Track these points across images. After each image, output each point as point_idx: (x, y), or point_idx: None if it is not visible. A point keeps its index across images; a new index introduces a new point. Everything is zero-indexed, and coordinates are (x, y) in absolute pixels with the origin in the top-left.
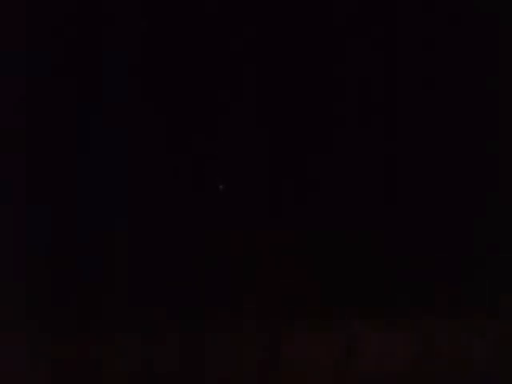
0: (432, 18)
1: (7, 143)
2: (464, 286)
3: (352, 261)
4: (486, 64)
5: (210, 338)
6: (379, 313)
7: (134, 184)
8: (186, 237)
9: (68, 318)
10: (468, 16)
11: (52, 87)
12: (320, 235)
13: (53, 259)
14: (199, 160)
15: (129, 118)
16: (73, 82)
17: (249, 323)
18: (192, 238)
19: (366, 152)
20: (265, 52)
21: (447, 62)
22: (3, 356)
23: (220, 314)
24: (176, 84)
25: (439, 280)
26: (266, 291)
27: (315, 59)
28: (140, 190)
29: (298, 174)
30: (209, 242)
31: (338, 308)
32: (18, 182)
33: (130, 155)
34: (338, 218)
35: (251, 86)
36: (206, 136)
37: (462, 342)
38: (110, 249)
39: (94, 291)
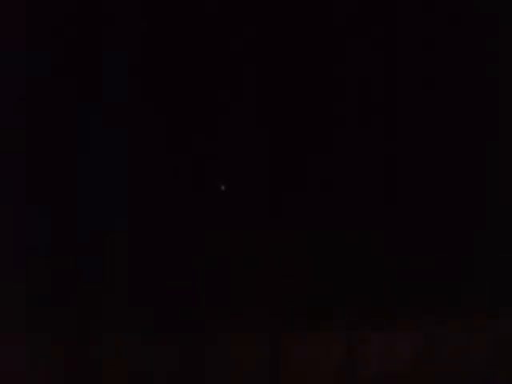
0: (432, 18)
1: (7, 143)
2: (464, 285)
3: (352, 261)
4: (486, 64)
5: (210, 338)
6: (379, 313)
7: (133, 184)
8: (186, 237)
9: (68, 318)
10: (468, 16)
11: (52, 87)
12: (320, 235)
13: (53, 259)
14: (199, 160)
15: (129, 118)
16: (73, 81)
17: (249, 323)
18: (192, 238)
19: (366, 152)
20: (265, 52)
21: (447, 61)
22: (3, 356)
23: (220, 314)
24: (176, 84)
25: (439, 280)
26: (265, 291)
27: (315, 59)
28: (140, 190)
29: (298, 174)
30: (209, 241)
31: (338, 308)
32: (18, 182)
33: (130, 155)
34: (338, 218)
35: (251, 86)
36: (206, 136)
37: (462, 342)
38: (110, 249)
39: (94, 291)
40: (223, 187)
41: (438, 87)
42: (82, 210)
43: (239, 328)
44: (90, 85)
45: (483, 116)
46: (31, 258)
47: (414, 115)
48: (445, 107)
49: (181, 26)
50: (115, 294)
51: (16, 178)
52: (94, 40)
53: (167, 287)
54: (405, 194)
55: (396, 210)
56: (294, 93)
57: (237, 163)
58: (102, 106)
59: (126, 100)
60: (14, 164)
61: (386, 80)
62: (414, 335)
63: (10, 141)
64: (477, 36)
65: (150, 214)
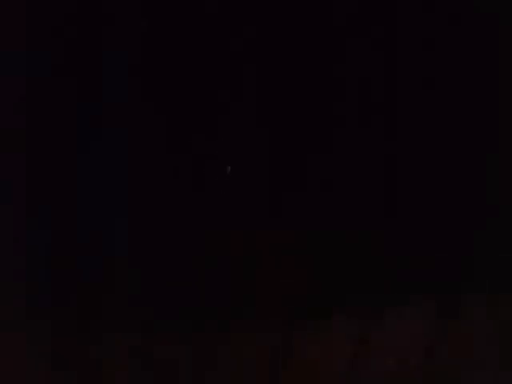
0: (432, 18)
1: (7, 143)
2: (464, 285)
3: (352, 261)
4: (486, 64)
5: (210, 338)
6: (379, 313)
7: (133, 184)
8: (186, 237)
9: (68, 318)
10: (468, 16)
11: (52, 87)
12: (320, 235)
13: (53, 259)
14: (199, 160)
15: (129, 117)
16: (73, 81)
17: (249, 323)
18: (192, 238)
19: (367, 152)
20: (265, 52)
21: (447, 61)
22: (3, 356)
23: (220, 314)
24: (176, 84)
25: (439, 280)
26: (265, 291)
27: (315, 59)
28: (140, 190)
29: (298, 174)
30: (209, 241)
31: (338, 308)
32: (18, 182)
33: (130, 155)
34: (338, 218)
35: (251, 86)
36: (206, 136)
37: (462, 342)
38: (110, 249)
39: (94, 291)
40: (229, 169)
41: (438, 87)
42: (81, 210)
43: (239, 328)
44: (90, 85)
45: (484, 116)
46: (31, 257)
47: (414, 115)
48: (445, 107)
49: (181, 25)
50: (115, 294)
51: (16, 178)
52: (94, 40)
53: (167, 287)
54: (405, 194)
55: (396, 210)
56: (294, 93)
57: (237, 163)
58: (102, 106)
59: (126, 100)
60: (14, 164)
61: (386, 80)
62: (414, 335)
63: (10, 141)
64: (477, 36)
65: (149, 214)
